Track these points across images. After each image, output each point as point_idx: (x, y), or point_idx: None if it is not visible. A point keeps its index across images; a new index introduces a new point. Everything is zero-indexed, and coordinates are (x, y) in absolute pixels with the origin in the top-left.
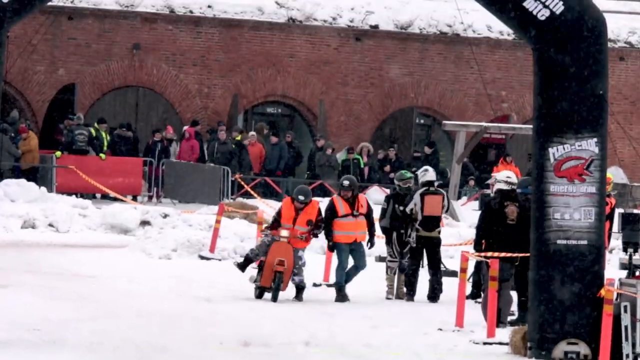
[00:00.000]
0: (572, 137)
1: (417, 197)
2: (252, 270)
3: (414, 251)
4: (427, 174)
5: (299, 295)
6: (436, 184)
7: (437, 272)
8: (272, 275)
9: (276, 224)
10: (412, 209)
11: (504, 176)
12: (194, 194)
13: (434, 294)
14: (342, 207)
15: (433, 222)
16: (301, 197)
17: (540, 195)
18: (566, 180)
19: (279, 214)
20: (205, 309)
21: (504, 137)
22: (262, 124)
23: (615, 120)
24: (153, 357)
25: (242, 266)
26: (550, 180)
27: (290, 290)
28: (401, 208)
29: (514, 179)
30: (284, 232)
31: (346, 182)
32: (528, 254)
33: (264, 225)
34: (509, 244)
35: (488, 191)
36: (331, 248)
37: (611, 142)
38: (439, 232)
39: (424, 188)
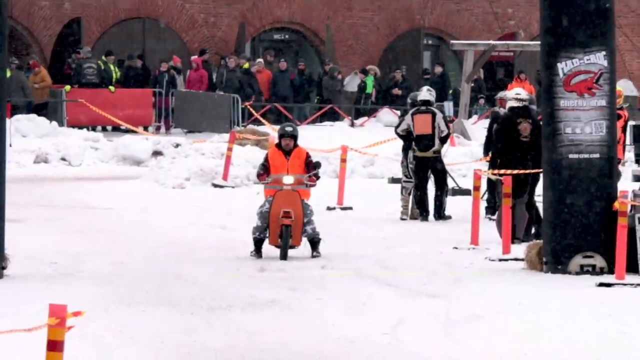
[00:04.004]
0: (580, 51)
1: (408, 117)
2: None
3: (415, 172)
4: (421, 93)
5: (315, 250)
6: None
7: (438, 191)
8: (279, 230)
9: (265, 170)
10: (404, 129)
11: (514, 93)
12: (204, 123)
13: (436, 213)
14: None
15: (425, 142)
16: (289, 129)
17: (550, 111)
18: (576, 94)
19: (266, 160)
20: (221, 236)
21: (512, 55)
22: (270, 50)
23: (623, 33)
24: (170, 285)
25: (258, 251)
26: (560, 95)
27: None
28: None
29: (524, 95)
30: (288, 179)
31: None
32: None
33: (264, 180)
34: (524, 161)
35: (497, 108)
36: None
37: (620, 55)
38: (435, 152)
39: (415, 108)
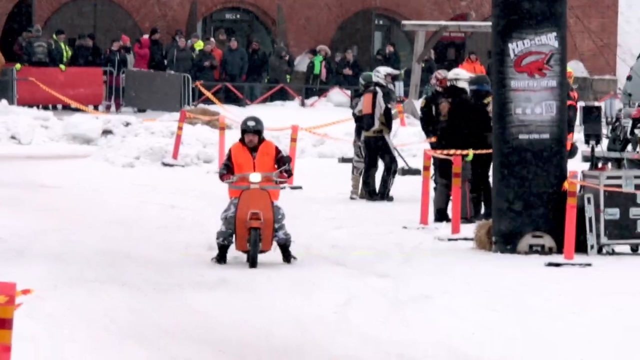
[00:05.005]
0: (531, 32)
1: (362, 97)
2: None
3: (365, 151)
4: (373, 73)
5: (286, 256)
6: (390, 84)
7: (385, 172)
8: (247, 234)
9: (228, 170)
10: (359, 110)
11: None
12: (155, 102)
13: (380, 193)
14: None
15: (367, 121)
16: (251, 123)
17: (501, 92)
18: (527, 75)
19: (229, 159)
20: (171, 215)
21: (463, 36)
22: (221, 30)
23: (574, 14)
24: (120, 264)
25: (222, 257)
26: (511, 76)
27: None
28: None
29: (452, 75)
30: (255, 176)
31: None
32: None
33: (228, 180)
34: (442, 140)
35: (436, 87)
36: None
37: (570, 36)
38: (375, 132)
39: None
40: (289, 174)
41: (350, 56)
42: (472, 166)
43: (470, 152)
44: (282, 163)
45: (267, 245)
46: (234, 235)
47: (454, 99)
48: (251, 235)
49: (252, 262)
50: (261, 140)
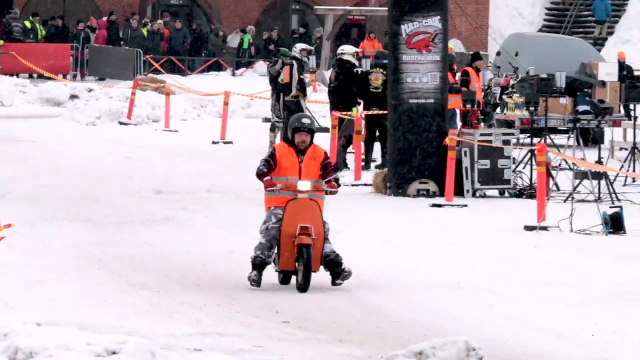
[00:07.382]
0: (419, 15)
1: (282, 69)
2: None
3: (285, 113)
4: (293, 49)
5: (336, 277)
6: (309, 58)
7: None
8: (295, 251)
9: (268, 168)
10: (282, 79)
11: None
12: (112, 72)
13: None
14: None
15: (286, 88)
16: (306, 120)
17: (395, 64)
18: (416, 51)
19: (272, 156)
20: (126, 165)
21: (364, 18)
22: (166, 13)
23: (454, 1)
24: (85, 205)
25: (258, 277)
26: (403, 52)
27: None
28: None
29: (339, 50)
30: (304, 185)
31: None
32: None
33: (272, 189)
34: (331, 103)
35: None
36: None
37: (451, 19)
38: (293, 97)
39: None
40: (339, 183)
41: (275, 35)
42: (366, 123)
43: (356, 111)
44: (333, 170)
45: (317, 266)
46: (273, 250)
47: (339, 68)
48: (302, 253)
49: (304, 286)
50: (311, 141)
